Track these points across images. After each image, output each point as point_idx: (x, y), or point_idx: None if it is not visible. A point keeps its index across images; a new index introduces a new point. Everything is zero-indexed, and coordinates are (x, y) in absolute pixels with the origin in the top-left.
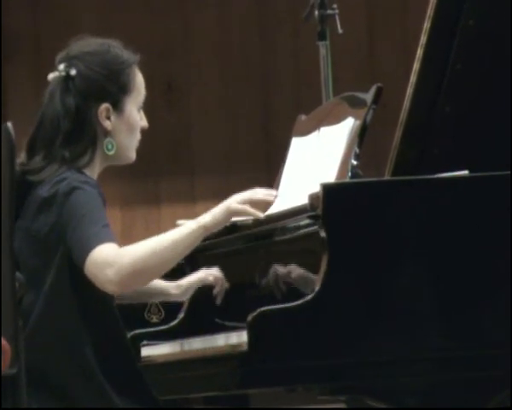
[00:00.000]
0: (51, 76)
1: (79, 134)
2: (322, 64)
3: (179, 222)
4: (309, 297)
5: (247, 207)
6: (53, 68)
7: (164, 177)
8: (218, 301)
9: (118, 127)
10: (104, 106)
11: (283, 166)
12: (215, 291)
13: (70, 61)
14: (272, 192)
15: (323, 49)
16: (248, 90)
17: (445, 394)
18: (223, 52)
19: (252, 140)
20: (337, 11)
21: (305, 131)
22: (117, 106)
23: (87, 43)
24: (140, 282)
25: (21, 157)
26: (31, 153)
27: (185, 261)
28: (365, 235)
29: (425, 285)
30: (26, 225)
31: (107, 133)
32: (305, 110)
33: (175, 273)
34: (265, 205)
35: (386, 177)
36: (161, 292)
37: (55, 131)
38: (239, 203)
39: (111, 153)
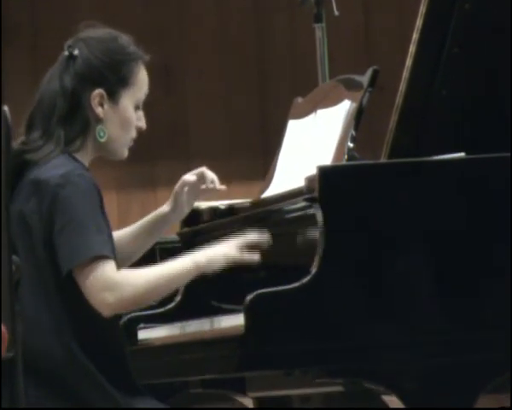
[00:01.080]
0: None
1: (73, 115)
2: (319, 46)
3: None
4: (306, 280)
5: (244, 255)
6: (50, 54)
7: (160, 161)
8: (218, 186)
9: (110, 118)
10: (98, 91)
11: (280, 148)
12: (205, 186)
13: (75, 43)
14: (264, 235)
15: (319, 31)
16: (245, 74)
17: (444, 376)
18: (219, 36)
19: (249, 124)
20: None
21: (302, 114)
22: (112, 96)
23: (96, 30)
24: (133, 309)
25: (23, 137)
26: (29, 129)
27: (182, 244)
28: (362, 217)
29: (423, 268)
30: (19, 208)
31: (99, 120)
32: (301, 93)
33: (172, 255)
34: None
35: (383, 159)
36: (156, 222)
37: (52, 109)
38: (235, 250)
39: (102, 140)
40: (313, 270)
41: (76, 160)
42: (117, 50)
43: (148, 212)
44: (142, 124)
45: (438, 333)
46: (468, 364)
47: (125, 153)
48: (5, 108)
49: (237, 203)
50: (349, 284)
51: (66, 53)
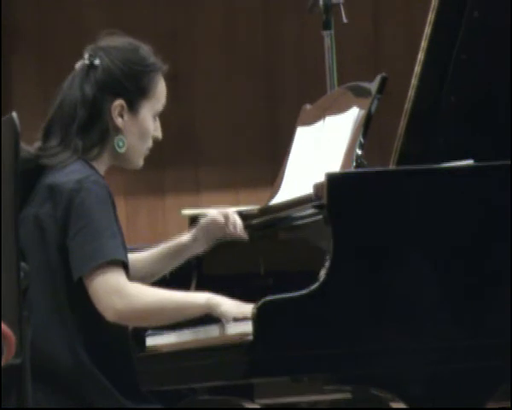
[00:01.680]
0: (77, 64)
1: (92, 125)
2: (327, 54)
3: (184, 212)
4: (314, 286)
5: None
6: (57, 59)
7: (168, 167)
8: (244, 236)
9: (129, 128)
10: (118, 102)
11: (288, 155)
12: (229, 231)
13: (96, 52)
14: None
15: (328, 38)
16: (253, 80)
17: (450, 383)
18: (228, 42)
19: (256, 130)
20: (342, 0)
21: (310, 121)
22: (132, 106)
23: (117, 39)
24: (135, 324)
25: (39, 143)
26: (47, 136)
27: None
28: (370, 224)
29: (430, 275)
30: (34, 212)
31: (118, 130)
32: (309, 100)
33: (183, 263)
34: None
35: (391, 166)
36: (175, 251)
37: (71, 117)
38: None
39: (121, 150)
40: (321, 277)
41: (92, 167)
42: (138, 61)
43: (156, 218)
44: (159, 134)
45: (446, 340)
46: (478, 370)
47: (141, 162)
48: (14, 114)
49: (245, 210)
50: (357, 290)
51: (87, 62)
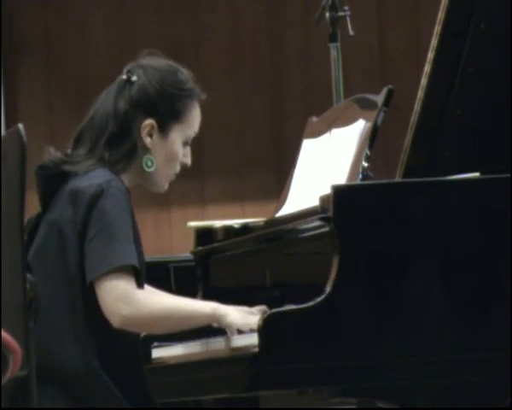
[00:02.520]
0: (117, 79)
1: (121, 139)
2: (333, 66)
3: (190, 224)
4: (320, 299)
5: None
6: (63, 71)
7: (175, 179)
8: None
9: (157, 149)
10: (149, 121)
11: (294, 167)
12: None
13: (134, 69)
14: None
15: (334, 50)
16: (259, 92)
17: (457, 396)
18: (233, 54)
19: (262, 142)
20: (348, 13)
21: (316, 133)
22: (162, 128)
23: (157, 59)
24: (140, 330)
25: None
26: (76, 144)
27: (196, 263)
28: (376, 237)
29: (436, 288)
30: (54, 217)
31: (146, 150)
32: (315, 112)
33: (186, 274)
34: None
35: (397, 179)
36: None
37: (101, 129)
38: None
39: (149, 170)
40: (327, 289)
41: (117, 178)
42: (174, 84)
43: (162, 231)
44: (188, 161)
45: (452, 352)
46: (483, 383)
47: (166, 186)
48: (20, 125)
49: (251, 222)
50: (363, 302)
51: (124, 77)
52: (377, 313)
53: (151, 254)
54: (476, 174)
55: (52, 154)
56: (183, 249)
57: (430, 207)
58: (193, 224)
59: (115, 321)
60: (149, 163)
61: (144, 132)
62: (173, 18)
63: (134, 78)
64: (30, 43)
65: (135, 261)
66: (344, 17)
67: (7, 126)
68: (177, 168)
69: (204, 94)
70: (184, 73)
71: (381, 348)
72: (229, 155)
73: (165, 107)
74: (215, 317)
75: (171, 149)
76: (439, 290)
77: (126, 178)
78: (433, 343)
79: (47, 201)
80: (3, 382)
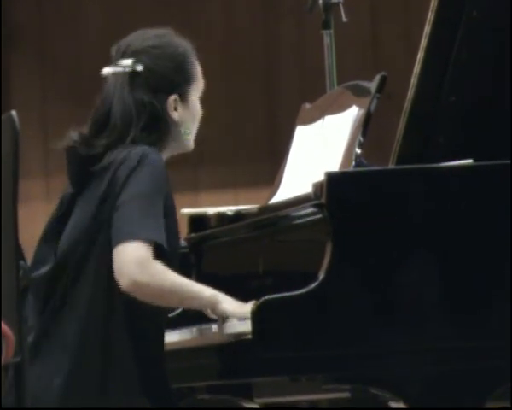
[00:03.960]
0: (108, 70)
1: (153, 126)
2: (327, 53)
3: (183, 211)
4: (313, 286)
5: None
6: (56, 59)
7: (168, 166)
8: None
9: (184, 117)
10: (173, 97)
11: (287, 154)
12: None
13: (135, 57)
14: None
15: (327, 37)
16: (252, 79)
17: (451, 383)
18: (227, 41)
19: (256, 129)
20: (342, 0)
21: (310, 120)
22: (183, 97)
23: (147, 37)
24: (144, 299)
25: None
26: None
27: (190, 250)
28: (369, 224)
29: (430, 275)
30: (92, 194)
31: (176, 124)
32: (309, 99)
33: (180, 260)
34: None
35: (391, 166)
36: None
37: (128, 124)
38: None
39: (188, 138)
40: (320, 276)
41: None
42: (176, 52)
43: None
44: (200, 111)
45: (445, 340)
46: (475, 370)
47: (193, 144)
48: (13, 112)
49: (245, 209)
50: (356, 290)
51: (129, 69)
52: (370, 300)
53: None
54: (469, 161)
55: (74, 141)
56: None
57: (423, 193)
58: (186, 211)
59: (124, 283)
60: (187, 133)
61: (171, 109)
62: (166, 6)
63: (140, 67)
64: (23, 32)
65: (160, 238)
66: (337, 4)
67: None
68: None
69: (193, 44)
70: (174, 35)
71: (375, 335)
72: (223, 142)
73: (180, 78)
74: (211, 302)
75: (195, 111)
76: (433, 278)
77: (164, 156)
78: (427, 331)
79: (81, 180)
80: None
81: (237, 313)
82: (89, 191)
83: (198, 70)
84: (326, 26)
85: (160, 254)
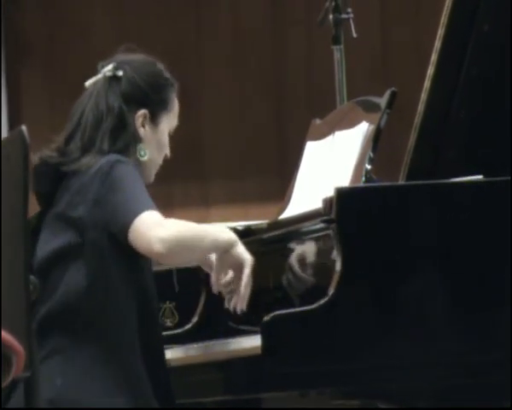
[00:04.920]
0: (90, 82)
1: (119, 134)
2: (337, 68)
3: None
4: (323, 301)
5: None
6: (65, 72)
7: (177, 181)
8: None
9: (149, 139)
10: (142, 111)
11: (297, 169)
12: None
13: (119, 65)
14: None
15: (338, 53)
16: (262, 94)
17: (459, 398)
18: (236, 56)
19: (265, 144)
20: (352, 15)
21: (320, 136)
22: (154, 117)
23: (136, 55)
24: (179, 254)
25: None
26: (67, 145)
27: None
28: (379, 239)
29: (439, 290)
30: (61, 210)
31: (139, 140)
32: (319, 114)
33: (190, 276)
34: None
35: (401, 181)
36: None
37: (97, 126)
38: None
39: (143, 159)
40: (330, 291)
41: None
42: (159, 74)
43: None
44: (168, 151)
45: (453, 354)
46: (483, 385)
47: (153, 178)
48: (23, 127)
49: (254, 225)
50: (365, 305)
51: (110, 74)
52: (380, 315)
53: None
54: (479, 177)
55: (46, 154)
56: None
57: (433, 209)
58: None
59: (156, 247)
60: (142, 153)
61: (138, 123)
62: (176, 20)
63: (120, 73)
64: (33, 47)
65: (157, 209)
66: (347, 19)
67: (10, 128)
68: (162, 160)
69: (177, 82)
70: (161, 64)
71: (384, 350)
72: (232, 157)
73: (155, 97)
74: (233, 241)
75: (162, 139)
76: (442, 293)
77: None
78: (436, 346)
79: (48, 198)
80: (6, 383)
81: (249, 260)
82: (57, 208)
83: (175, 105)
84: (336, 41)
85: None
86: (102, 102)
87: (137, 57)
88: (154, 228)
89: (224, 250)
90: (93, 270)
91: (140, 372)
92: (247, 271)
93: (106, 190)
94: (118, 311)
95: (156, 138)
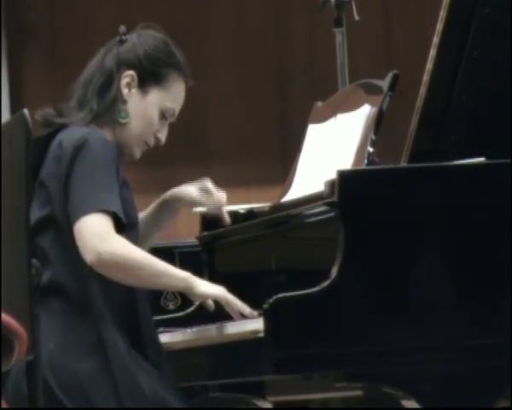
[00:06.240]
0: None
1: (104, 91)
2: (339, 51)
3: (195, 210)
4: (325, 284)
5: (239, 303)
6: (67, 57)
7: (179, 164)
8: (226, 220)
9: (134, 104)
10: (130, 72)
11: (299, 152)
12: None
13: (131, 32)
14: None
15: (340, 35)
16: (264, 77)
17: (461, 381)
18: (239, 39)
19: (267, 127)
20: None
21: (322, 119)
22: (142, 84)
23: (154, 31)
24: (112, 274)
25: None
26: (69, 99)
27: (201, 248)
28: (381, 222)
29: (441, 273)
30: (42, 177)
31: (123, 102)
32: (321, 97)
33: (192, 259)
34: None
35: (403, 164)
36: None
37: (89, 82)
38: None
39: (123, 121)
40: (332, 274)
41: (103, 134)
42: (163, 52)
43: None
44: (162, 137)
45: (457, 338)
46: (487, 369)
47: (138, 155)
48: (25, 111)
49: (257, 207)
50: (368, 288)
51: (119, 38)
52: (382, 298)
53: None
54: (481, 159)
55: (44, 111)
56: (188, 235)
57: (435, 192)
58: (198, 209)
59: (89, 257)
60: (123, 114)
61: (124, 82)
62: (179, 4)
63: (126, 37)
64: (35, 31)
65: (117, 209)
66: (349, 2)
67: (12, 112)
68: (151, 140)
69: (192, 80)
70: (177, 51)
71: (386, 333)
72: (235, 140)
73: (149, 66)
74: (187, 284)
75: (148, 111)
76: (445, 276)
77: (108, 135)
78: (440, 329)
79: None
80: (10, 366)
81: (215, 294)
82: (41, 174)
83: (174, 89)
84: (338, 24)
85: (118, 226)
86: (99, 61)
87: (153, 32)
88: (95, 237)
89: (187, 293)
90: (69, 239)
91: (115, 338)
92: (229, 308)
93: (72, 169)
94: (93, 278)
95: (142, 107)
